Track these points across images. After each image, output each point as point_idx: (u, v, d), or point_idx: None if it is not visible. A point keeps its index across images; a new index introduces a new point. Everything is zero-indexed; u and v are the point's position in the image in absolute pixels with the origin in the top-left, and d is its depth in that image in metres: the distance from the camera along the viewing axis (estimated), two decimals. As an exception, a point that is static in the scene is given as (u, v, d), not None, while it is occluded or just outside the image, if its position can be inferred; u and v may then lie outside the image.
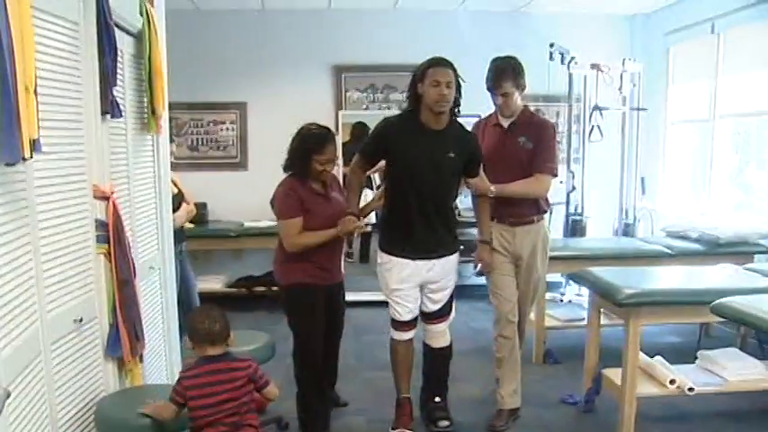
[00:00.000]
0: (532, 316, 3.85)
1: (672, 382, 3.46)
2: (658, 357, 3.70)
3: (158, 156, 3.48)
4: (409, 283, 3.39)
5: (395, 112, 6.57)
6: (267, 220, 6.02)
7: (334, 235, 3.28)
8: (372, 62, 6.38)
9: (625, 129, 6.03)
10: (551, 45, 5.73)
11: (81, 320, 2.40)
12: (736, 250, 4.71)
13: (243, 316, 5.53)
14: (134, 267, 2.75)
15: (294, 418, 3.50)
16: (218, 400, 2.42)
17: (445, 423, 3.52)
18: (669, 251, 4.74)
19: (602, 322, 3.88)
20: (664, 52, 6.35)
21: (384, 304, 3.55)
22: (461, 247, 3.59)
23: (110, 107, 2.59)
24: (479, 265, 3.62)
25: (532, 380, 3.65)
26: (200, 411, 2.41)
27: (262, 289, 6.07)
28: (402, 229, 3.36)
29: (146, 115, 3.23)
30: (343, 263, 3.65)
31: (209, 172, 6.08)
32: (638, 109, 6.08)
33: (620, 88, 5.84)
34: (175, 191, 3.98)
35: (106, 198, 2.57)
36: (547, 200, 3.68)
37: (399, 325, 3.49)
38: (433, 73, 3.13)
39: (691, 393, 3.43)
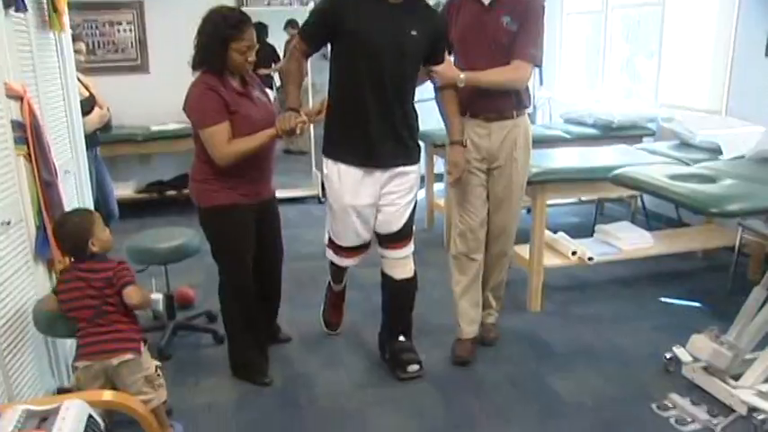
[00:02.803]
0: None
1: (573, 253, 3.81)
2: (561, 233, 4.03)
3: (63, 55, 3.33)
4: (366, 199, 2.85)
5: (299, 8, 6.44)
6: (174, 123, 5.91)
7: (271, 136, 2.70)
8: (275, -46, 6.16)
9: (525, 21, 6.15)
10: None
11: (9, 223, 2.37)
12: (628, 133, 5.07)
13: (156, 220, 5.50)
14: (56, 169, 2.70)
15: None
16: (81, 305, 2.35)
17: (415, 367, 3.02)
18: (567, 135, 5.05)
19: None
20: (560, -57, 6.46)
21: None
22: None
23: None
24: (453, 171, 2.96)
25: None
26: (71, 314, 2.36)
27: (173, 193, 6.03)
28: (356, 129, 2.76)
29: (47, 12, 3.07)
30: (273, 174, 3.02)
31: (108, 76, 5.77)
32: (538, 0, 6.22)
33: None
34: (86, 94, 3.84)
35: (20, 98, 2.48)
36: (528, 93, 3.12)
37: (340, 250, 3.03)
38: None
39: (590, 263, 3.80)
